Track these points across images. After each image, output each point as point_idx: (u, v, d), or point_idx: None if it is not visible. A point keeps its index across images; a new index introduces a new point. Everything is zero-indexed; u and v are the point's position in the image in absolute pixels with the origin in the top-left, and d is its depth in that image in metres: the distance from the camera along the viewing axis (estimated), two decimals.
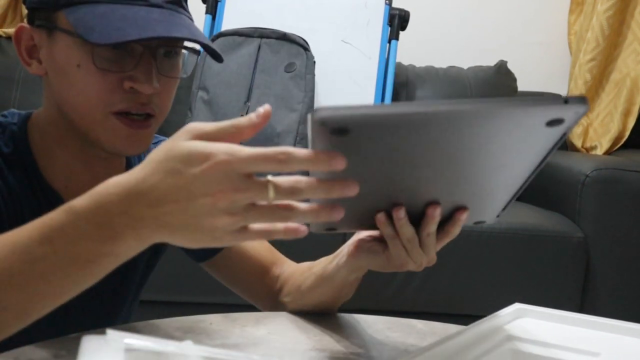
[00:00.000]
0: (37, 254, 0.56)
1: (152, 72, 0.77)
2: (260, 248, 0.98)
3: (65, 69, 0.77)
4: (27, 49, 0.80)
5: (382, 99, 2.28)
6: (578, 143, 2.45)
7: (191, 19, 0.82)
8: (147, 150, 0.89)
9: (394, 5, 2.35)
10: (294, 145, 2.07)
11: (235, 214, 0.52)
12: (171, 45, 0.79)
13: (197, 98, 2.14)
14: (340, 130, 0.50)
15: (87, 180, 0.83)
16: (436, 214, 0.64)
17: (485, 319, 0.75)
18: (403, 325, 0.88)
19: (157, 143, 0.94)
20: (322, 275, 0.83)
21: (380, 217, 0.65)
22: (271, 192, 0.52)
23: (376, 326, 0.89)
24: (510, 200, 0.65)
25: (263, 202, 0.53)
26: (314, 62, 2.20)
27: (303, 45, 2.20)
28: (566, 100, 0.49)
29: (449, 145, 0.53)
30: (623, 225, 1.93)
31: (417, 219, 0.66)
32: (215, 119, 2.09)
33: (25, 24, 0.80)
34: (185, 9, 0.82)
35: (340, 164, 0.51)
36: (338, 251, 0.81)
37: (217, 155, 0.52)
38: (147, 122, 0.79)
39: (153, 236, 0.55)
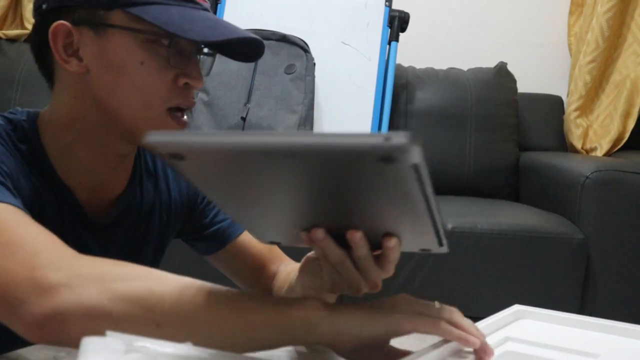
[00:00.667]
0: (246, 306, 0.59)
1: (199, 70, 0.82)
2: (258, 246, 0.99)
3: (124, 67, 0.78)
4: (64, 46, 0.79)
5: (382, 101, 2.28)
6: (578, 144, 2.45)
7: None
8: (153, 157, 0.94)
9: (394, 6, 2.35)
10: None
11: None
12: (215, 47, 0.85)
13: (197, 99, 2.14)
14: (176, 156, 0.50)
15: (103, 176, 0.85)
16: (356, 239, 0.60)
17: (484, 320, 0.75)
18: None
19: None
20: (291, 284, 0.84)
21: (303, 236, 0.62)
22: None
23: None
24: (438, 231, 0.61)
25: None
26: (314, 63, 2.20)
27: (303, 47, 2.20)
28: (388, 137, 0.45)
29: (300, 178, 0.51)
30: (623, 226, 1.93)
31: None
32: (215, 120, 2.09)
33: (63, 21, 0.78)
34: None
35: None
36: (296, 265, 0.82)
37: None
38: (187, 116, 0.84)
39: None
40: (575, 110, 2.46)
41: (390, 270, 0.65)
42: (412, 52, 2.54)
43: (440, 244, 0.63)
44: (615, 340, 0.75)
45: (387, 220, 0.59)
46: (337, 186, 0.52)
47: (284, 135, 0.46)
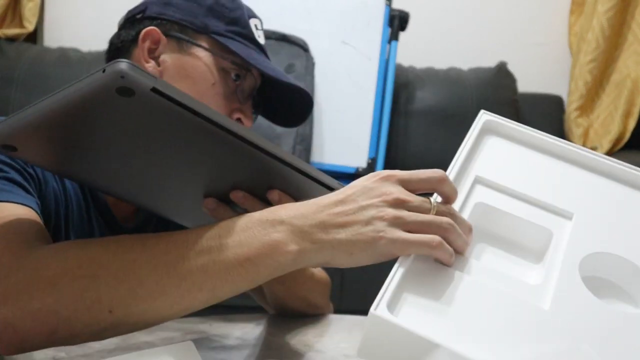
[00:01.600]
0: (204, 247, 0.56)
1: (251, 111, 0.90)
2: None
3: (197, 82, 0.86)
4: (149, 49, 0.89)
5: (382, 100, 2.27)
6: (578, 144, 2.44)
7: None
8: None
9: (394, 6, 2.35)
10: (294, 146, 2.07)
11: (399, 217, 0.57)
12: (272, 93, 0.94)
13: None
14: (7, 147, 0.55)
15: None
16: (238, 199, 0.63)
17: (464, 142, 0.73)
18: None
19: None
20: None
21: (208, 202, 0.65)
22: (433, 210, 0.60)
23: None
24: (316, 179, 0.63)
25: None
26: (314, 63, 2.19)
27: (303, 46, 2.19)
28: (104, 70, 0.48)
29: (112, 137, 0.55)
30: None
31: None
32: None
33: (157, 28, 0.89)
34: None
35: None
36: None
37: (381, 173, 0.61)
38: None
39: (316, 257, 0.57)
40: (576, 109, 2.46)
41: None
42: (412, 52, 2.54)
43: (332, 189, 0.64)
44: (597, 188, 0.67)
45: (241, 178, 0.62)
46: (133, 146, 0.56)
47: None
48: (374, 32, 2.30)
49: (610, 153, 2.41)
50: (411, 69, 2.50)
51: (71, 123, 0.52)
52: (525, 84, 2.54)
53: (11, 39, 2.45)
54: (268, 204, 0.63)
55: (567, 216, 0.64)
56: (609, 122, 2.43)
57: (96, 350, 0.71)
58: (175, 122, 0.52)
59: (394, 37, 2.34)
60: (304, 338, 0.82)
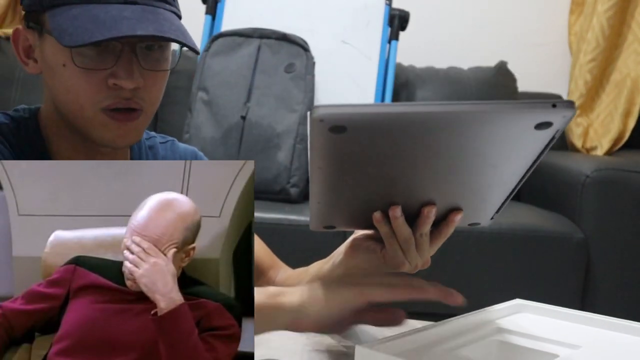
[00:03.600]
0: None
1: (133, 68, 0.79)
2: (260, 252, 0.99)
3: (54, 69, 0.80)
4: (24, 49, 0.84)
5: (382, 100, 2.27)
6: (578, 143, 2.44)
7: (176, 13, 0.84)
8: (152, 146, 0.96)
9: (394, 5, 2.35)
10: (294, 145, 2.07)
11: None
12: (148, 41, 0.81)
13: (197, 98, 2.14)
14: (339, 128, 0.51)
15: None
16: (431, 214, 0.65)
17: (484, 309, 0.77)
18: (403, 326, 0.88)
19: (165, 143, 0.99)
20: (318, 275, 0.84)
21: (377, 215, 0.66)
22: None
23: (377, 326, 0.89)
24: (504, 203, 0.66)
25: None
26: (314, 62, 2.19)
27: (303, 46, 2.19)
28: (554, 105, 0.51)
29: (443, 146, 0.55)
30: (623, 225, 1.93)
31: (413, 220, 0.67)
32: (215, 119, 2.09)
33: (21, 26, 0.84)
34: (169, 2, 0.83)
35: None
36: (330, 256, 0.83)
37: None
38: (133, 115, 0.82)
39: None
40: (576, 109, 2.46)
41: (436, 247, 0.72)
42: (412, 51, 2.53)
43: (492, 218, 0.67)
44: (602, 333, 0.77)
45: (469, 190, 0.63)
46: (461, 152, 0.56)
47: (451, 105, 0.50)
48: (374, 32, 2.30)
49: (609, 152, 2.41)
50: (411, 69, 2.50)
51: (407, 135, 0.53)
52: (525, 84, 2.54)
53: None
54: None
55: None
56: (608, 121, 2.43)
57: None
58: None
59: (394, 36, 2.34)
60: (304, 337, 0.83)
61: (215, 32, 2.26)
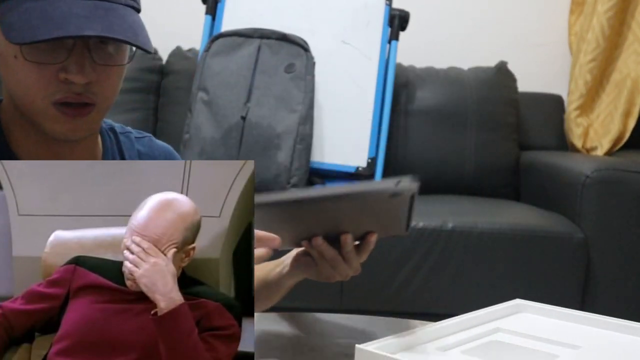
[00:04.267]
0: None
1: (85, 63, 0.78)
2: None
3: (7, 60, 0.79)
4: None
5: (382, 100, 2.27)
6: (578, 144, 2.44)
7: (134, 6, 0.82)
8: (127, 139, 0.96)
9: (394, 5, 2.35)
10: (294, 145, 2.07)
11: None
12: (103, 39, 0.79)
13: (197, 99, 2.14)
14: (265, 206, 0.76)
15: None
16: (348, 240, 0.83)
17: (482, 310, 0.77)
18: (403, 326, 0.88)
19: (142, 138, 0.99)
20: (265, 280, 0.95)
21: (305, 244, 0.84)
22: None
23: (377, 326, 0.89)
24: (409, 218, 0.83)
25: None
26: (314, 62, 2.19)
27: (303, 46, 2.19)
28: (398, 182, 0.72)
29: (334, 210, 0.78)
30: (623, 226, 1.93)
31: (338, 242, 0.86)
32: (215, 119, 2.09)
33: None
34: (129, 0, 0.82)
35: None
36: (279, 261, 0.94)
37: None
38: (84, 110, 0.81)
39: None
40: (576, 109, 2.46)
41: (364, 257, 0.86)
42: (412, 51, 2.53)
43: (407, 230, 0.85)
44: (601, 333, 0.78)
45: (371, 225, 0.83)
46: (347, 213, 0.79)
47: (335, 189, 0.74)
48: (374, 32, 2.30)
49: (609, 152, 2.41)
50: (411, 69, 2.50)
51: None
52: (525, 84, 2.54)
53: None
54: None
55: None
56: (608, 121, 2.43)
57: None
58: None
59: (394, 36, 2.33)
60: (304, 337, 0.83)
61: (215, 32, 2.26)
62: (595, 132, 2.45)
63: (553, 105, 2.60)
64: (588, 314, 0.81)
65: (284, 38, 2.20)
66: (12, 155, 0.85)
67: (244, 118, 2.08)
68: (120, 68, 0.83)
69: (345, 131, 2.23)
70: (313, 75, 2.17)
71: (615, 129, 2.39)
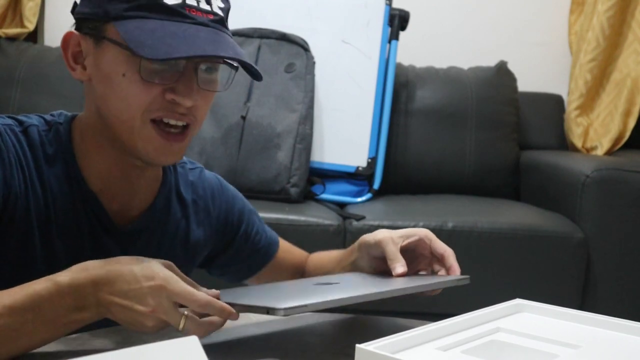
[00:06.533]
0: (27, 318, 0.68)
1: (193, 86, 0.81)
2: (291, 252, 1.13)
3: (111, 77, 0.81)
4: (73, 54, 0.85)
5: (382, 99, 2.27)
6: (578, 143, 2.44)
7: (231, 37, 0.87)
8: (183, 170, 0.98)
9: (394, 5, 2.35)
10: (294, 145, 2.07)
11: (161, 321, 0.71)
12: (213, 62, 0.84)
13: None
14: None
15: (123, 187, 0.88)
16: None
17: (482, 310, 0.77)
18: (403, 326, 0.88)
19: (194, 169, 1.01)
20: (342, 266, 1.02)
21: None
22: (181, 325, 0.70)
23: (377, 326, 0.89)
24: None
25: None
26: (314, 62, 2.19)
27: (303, 46, 2.19)
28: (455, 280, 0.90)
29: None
30: (623, 225, 1.93)
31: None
32: (216, 119, 2.09)
33: (73, 30, 0.84)
34: (227, 28, 0.87)
35: (234, 316, 0.73)
36: (349, 251, 0.99)
37: (157, 278, 0.70)
38: (182, 135, 0.84)
39: (106, 314, 0.71)
40: (576, 109, 2.46)
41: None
42: (412, 51, 2.53)
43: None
44: (601, 332, 0.78)
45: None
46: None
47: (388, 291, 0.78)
48: (374, 32, 2.30)
49: (610, 152, 2.41)
50: (411, 68, 2.50)
51: None
52: (525, 83, 2.54)
53: (11, 39, 2.45)
54: None
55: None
56: (608, 121, 2.43)
57: (96, 349, 0.71)
58: None
59: (394, 36, 2.33)
60: (304, 337, 0.83)
61: None
62: (595, 132, 2.45)
63: (553, 105, 2.60)
64: (588, 314, 0.81)
65: (283, 38, 2.20)
66: (80, 179, 0.85)
67: (244, 117, 2.08)
68: (214, 94, 0.87)
69: (345, 131, 2.23)
70: (313, 75, 2.17)
71: (615, 128, 2.39)
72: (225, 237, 1.04)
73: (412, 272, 0.93)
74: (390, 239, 0.92)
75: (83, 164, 0.86)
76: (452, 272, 0.92)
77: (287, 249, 1.12)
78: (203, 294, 0.70)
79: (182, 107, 0.81)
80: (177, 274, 0.73)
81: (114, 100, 0.81)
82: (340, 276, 0.93)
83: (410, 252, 0.94)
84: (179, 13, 0.80)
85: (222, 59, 0.83)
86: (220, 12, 0.84)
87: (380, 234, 0.93)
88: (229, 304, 0.72)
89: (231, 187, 1.07)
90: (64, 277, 0.70)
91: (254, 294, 0.83)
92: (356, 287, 0.82)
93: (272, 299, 0.75)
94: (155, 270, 0.71)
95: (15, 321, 0.67)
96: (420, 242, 0.93)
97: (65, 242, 0.84)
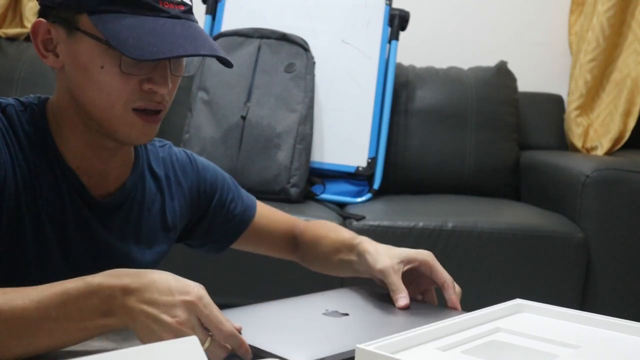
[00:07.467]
0: (51, 315, 0.68)
1: (167, 74, 0.84)
2: (272, 218, 1.14)
3: (88, 68, 0.82)
4: (43, 42, 0.86)
5: (382, 99, 2.27)
6: (578, 143, 2.44)
7: (198, 23, 0.89)
8: (153, 147, 1.01)
9: (394, 5, 2.35)
10: (294, 145, 2.07)
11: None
12: (190, 56, 0.86)
13: (197, 98, 2.14)
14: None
15: (97, 165, 0.90)
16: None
17: (482, 310, 0.77)
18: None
19: (163, 146, 1.04)
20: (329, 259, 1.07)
21: None
22: (206, 345, 0.69)
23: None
24: None
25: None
26: (314, 62, 2.19)
27: (303, 46, 2.19)
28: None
29: None
30: (623, 225, 1.92)
31: None
32: (215, 119, 2.09)
33: (42, 18, 0.85)
34: (193, 15, 0.89)
35: (247, 356, 0.71)
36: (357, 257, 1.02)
37: (191, 294, 0.69)
38: (158, 116, 0.87)
39: (128, 323, 0.69)
40: (576, 109, 2.46)
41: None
42: (412, 51, 2.54)
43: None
44: (601, 332, 0.78)
45: None
46: None
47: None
48: (374, 32, 2.30)
49: (609, 152, 2.41)
50: (411, 69, 2.50)
51: None
52: (525, 84, 2.54)
53: (11, 39, 2.45)
54: None
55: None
56: (608, 121, 2.43)
57: (96, 349, 0.71)
58: None
59: (394, 36, 2.34)
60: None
61: (215, 32, 2.26)
62: (595, 132, 2.45)
63: (553, 105, 2.60)
64: (588, 314, 0.81)
65: (284, 38, 2.20)
66: (58, 155, 0.87)
67: (244, 118, 2.08)
68: (181, 77, 0.90)
69: (345, 131, 2.23)
70: (313, 75, 2.17)
71: (615, 128, 2.39)
72: (200, 208, 1.06)
73: (414, 292, 0.95)
74: (392, 268, 0.93)
75: (59, 142, 0.88)
76: (450, 304, 0.92)
77: (266, 214, 1.13)
78: (230, 325, 0.70)
79: (158, 95, 0.84)
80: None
81: (92, 90, 0.83)
82: (347, 302, 0.91)
83: (413, 272, 0.96)
84: (152, 7, 0.81)
85: (200, 56, 0.85)
86: (188, 1, 0.87)
87: (381, 263, 0.94)
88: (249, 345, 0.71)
89: (201, 159, 1.09)
90: (95, 278, 0.70)
91: (268, 325, 0.81)
92: (370, 326, 0.84)
93: (288, 344, 0.74)
94: (191, 287, 0.70)
95: (39, 316, 0.67)
96: (420, 267, 0.95)
97: (50, 214, 0.86)
